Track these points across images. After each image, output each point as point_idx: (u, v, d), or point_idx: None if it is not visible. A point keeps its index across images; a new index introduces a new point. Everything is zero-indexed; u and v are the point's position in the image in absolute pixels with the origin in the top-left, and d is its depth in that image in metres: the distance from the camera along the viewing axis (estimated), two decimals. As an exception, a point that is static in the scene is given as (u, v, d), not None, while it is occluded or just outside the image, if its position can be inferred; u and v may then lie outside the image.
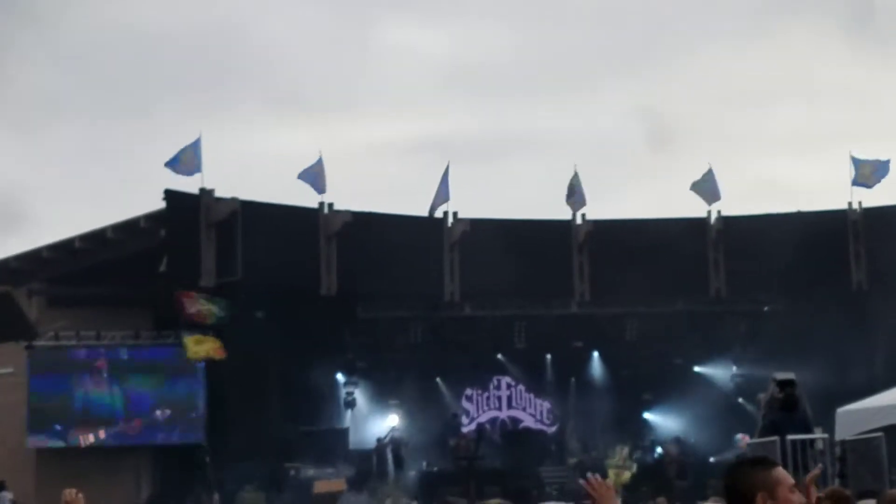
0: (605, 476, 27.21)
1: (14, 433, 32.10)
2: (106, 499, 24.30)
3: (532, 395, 36.14)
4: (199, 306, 30.41)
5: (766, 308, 34.40)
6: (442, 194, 34.18)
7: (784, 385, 19.20)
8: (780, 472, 4.70)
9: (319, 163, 33.13)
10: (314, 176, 33.04)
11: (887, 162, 34.21)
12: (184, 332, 30.84)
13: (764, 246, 31.58)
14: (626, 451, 29.13)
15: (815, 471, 6.52)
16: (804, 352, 28.57)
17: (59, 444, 31.75)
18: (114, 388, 32.21)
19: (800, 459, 18.10)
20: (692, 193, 34.67)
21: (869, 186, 34.14)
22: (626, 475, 26.87)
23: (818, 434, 19.38)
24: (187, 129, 57.57)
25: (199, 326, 30.68)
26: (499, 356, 35.40)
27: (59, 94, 56.35)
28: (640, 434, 34.36)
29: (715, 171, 34.86)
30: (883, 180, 34.10)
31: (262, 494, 29.60)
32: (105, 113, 59.43)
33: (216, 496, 28.41)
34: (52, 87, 55.73)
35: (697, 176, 34.92)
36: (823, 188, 63.72)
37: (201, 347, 30.83)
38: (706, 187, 34.70)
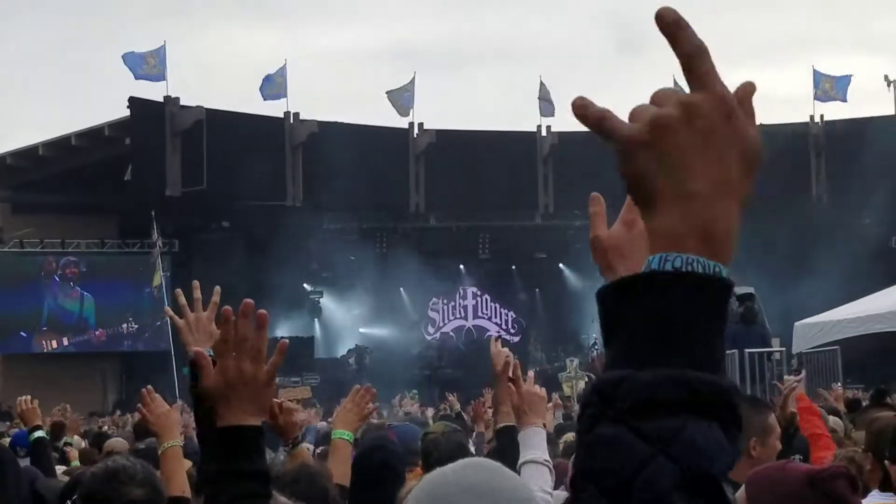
0: (560, 389, 27.11)
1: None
2: (73, 404, 24.46)
3: (497, 305, 36.53)
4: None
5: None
6: (408, 103, 34.24)
7: (743, 299, 19.50)
8: (773, 420, 4.88)
9: (283, 70, 33.04)
10: (275, 83, 32.95)
11: (847, 77, 34.49)
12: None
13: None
14: (575, 362, 29.42)
15: (793, 385, 6.69)
16: (763, 266, 28.94)
17: (23, 350, 31.92)
18: (85, 297, 32.36)
19: (758, 371, 18.51)
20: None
21: (828, 100, 34.52)
22: (581, 384, 27.19)
23: (776, 347, 19.78)
24: (152, 33, 57.09)
25: None
26: (461, 267, 35.71)
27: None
28: (595, 345, 34.84)
29: (679, 82, 35.02)
30: (844, 94, 34.41)
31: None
32: (68, 14, 58.75)
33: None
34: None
35: (663, 84, 35.06)
36: (788, 100, 64.06)
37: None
38: None
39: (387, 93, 34.34)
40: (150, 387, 5.14)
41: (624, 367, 1.22)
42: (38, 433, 7.69)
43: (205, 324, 3.66)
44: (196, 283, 3.82)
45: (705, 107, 1.25)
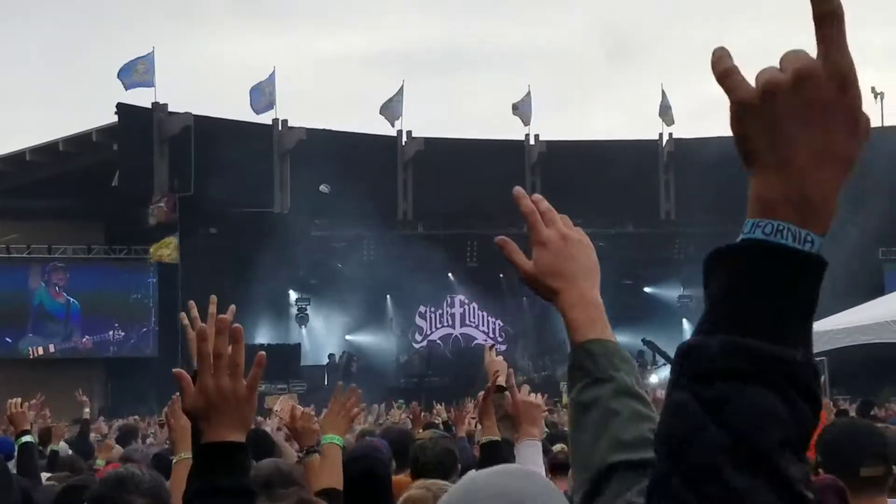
0: (560, 396, 27.13)
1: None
2: (57, 410, 24.39)
3: (485, 314, 36.51)
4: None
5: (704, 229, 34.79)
6: (396, 111, 34.28)
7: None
8: None
9: (272, 78, 33.02)
10: (264, 93, 32.95)
11: None
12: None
13: (715, 169, 31.78)
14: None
15: None
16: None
17: (9, 355, 31.80)
18: (71, 303, 32.26)
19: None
20: (646, 112, 34.99)
21: None
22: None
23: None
24: (141, 39, 57.07)
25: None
26: (449, 275, 35.67)
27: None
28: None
29: (668, 91, 35.22)
30: None
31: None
32: (57, 20, 58.65)
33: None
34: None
35: (652, 94, 35.19)
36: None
37: (163, 251, 30.77)
38: (666, 111, 35.07)
39: (380, 110, 34.36)
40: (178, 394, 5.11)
41: (700, 333, 1.25)
42: (26, 438, 7.61)
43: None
44: (213, 297, 3.83)
45: (818, 75, 1.26)
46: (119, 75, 31.36)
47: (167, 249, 30.45)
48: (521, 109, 34.90)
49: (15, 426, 7.83)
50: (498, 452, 4.87)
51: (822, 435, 4.42)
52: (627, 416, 1.95)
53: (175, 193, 29.78)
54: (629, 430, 1.92)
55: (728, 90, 1.29)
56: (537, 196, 2.17)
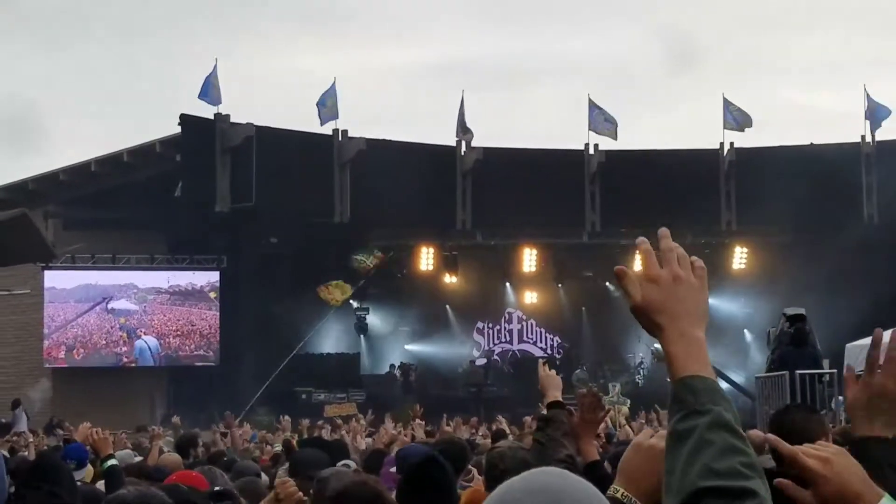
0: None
1: (30, 352, 32.53)
2: (120, 417, 24.62)
3: (543, 330, 36.30)
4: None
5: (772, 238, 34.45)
6: (459, 122, 34.35)
7: (794, 320, 19.24)
8: (825, 419, 5.12)
9: (333, 88, 33.16)
10: (327, 104, 33.09)
11: (888, 109, 34.27)
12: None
13: (776, 178, 31.53)
14: (618, 387, 29.11)
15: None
16: (815, 285, 28.67)
17: (75, 363, 32.11)
18: (135, 314, 32.52)
19: (808, 393, 18.31)
20: (705, 121, 34.70)
21: (873, 127, 34.34)
22: (625, 409, 26.94)
23: (827, 369, 19.48)
24: (204, 52, 57.58)
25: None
26: (507, 284, 35.59)
27: (81, 11, 56.36)
28: (642, 364, 34.51)
29: (729, 98, 34.84)
30: (876, 122, 34.24)
31: (274, 417, 29.89)
32: (121, 31, 59.39)
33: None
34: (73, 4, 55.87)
35: (712, 103, 34.89)
36: (840, 119, 63.47)
37: (336, 293, 31.49)
38: (737, 116, 34.60)
39: (457, 130, 34.43)
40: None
41: None
42: (111, 461, 7.72)
43: None
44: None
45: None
46: (202, 97, 31.74)
47: (340, 292, 31.11)
48: (593, 122, 34.58)
49: (97, 452, 7.97)
50: (602, 474, 4.77)
51: None
52: (720, 447, 2.02)
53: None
54: (721, 460, 1.99)
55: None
56: (664, 231, 2.35)
